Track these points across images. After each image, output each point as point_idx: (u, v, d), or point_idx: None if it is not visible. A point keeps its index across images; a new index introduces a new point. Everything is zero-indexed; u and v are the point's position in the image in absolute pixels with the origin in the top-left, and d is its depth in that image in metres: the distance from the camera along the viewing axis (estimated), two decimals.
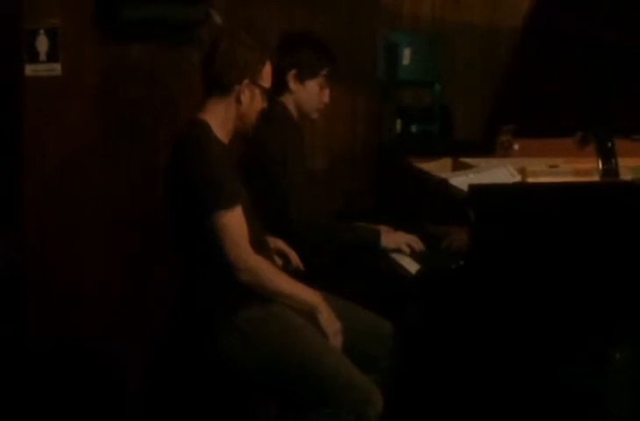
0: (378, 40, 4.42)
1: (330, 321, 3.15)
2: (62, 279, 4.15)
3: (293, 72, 3.61)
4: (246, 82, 3.19)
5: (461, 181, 3.42)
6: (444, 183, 3.51)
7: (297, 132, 3.66)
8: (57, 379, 4.17)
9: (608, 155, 3.39)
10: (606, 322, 3.25)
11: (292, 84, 3.62)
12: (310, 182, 3.66)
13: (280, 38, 3.75)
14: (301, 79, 3.63)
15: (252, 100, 3.22)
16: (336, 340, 3.16)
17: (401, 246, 3.52)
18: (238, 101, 3.20)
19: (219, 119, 3.21)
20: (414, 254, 3.48)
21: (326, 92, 3.67)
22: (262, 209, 3.37)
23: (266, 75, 3.26)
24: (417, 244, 3.53)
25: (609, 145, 3.39)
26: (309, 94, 3.64)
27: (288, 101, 3.65)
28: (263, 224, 3.30)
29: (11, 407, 4.04)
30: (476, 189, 3.19)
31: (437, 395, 3.50)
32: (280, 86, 3.61)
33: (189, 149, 3.16)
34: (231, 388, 3.27)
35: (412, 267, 3.37)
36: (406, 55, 4.36)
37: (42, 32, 4.05)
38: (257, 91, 3.23)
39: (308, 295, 3.17)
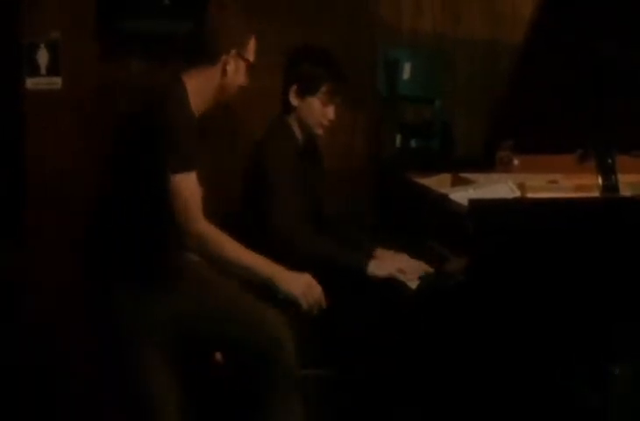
0: (378, 55, 4.43)
1: (292, 285, 3.10)
2: (62, 280, 4.16)
3: (294, 87, 3.59)
4: (234, 52, 3.20)
5: (461, 196, 3.42)
6: (443, 198, 3.50)
7: (296, 150, 3.63)
8: (57, 379, 4.19)
9: (608, 171, 3.37)
10: (606, 337, 3.23)
11: (293, 100, 3.60)
12: (310, 195, 3.65)
13: (287, 51, 3.73)
14: (302, 95, 3.59)
15: (235, 73, 3.22)
16: (308, 298, 3.12)
17: (394, 274, 3.43)
18: (224, 71, 3.20)
19: (198, 86, 3.17)
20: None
21: (330, 109, 3.62)
22: (255, 218, 3.45)
23: (251, 49, 3.27)
24: (413, 270, 3.44)
25: (609, 161, 3.38)
26: (311, 110, 3.60)
27: (292, 119, 3.63)
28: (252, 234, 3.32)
29: (11, 408, 4.05)
30: (476, 204, 3.19)
31: (438, 409, 3.49)
32: (284, 103, 3.62)
33: (159, 107, 3.08)
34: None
35: (412, 282, 3.37)
36: (406, 70, 4.36)
37: (43, 45, 4.06)
38: (242, 64, 3.23)
39: (261, 264, 3.10)
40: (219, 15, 3.22)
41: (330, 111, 3.61)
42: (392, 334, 3.46)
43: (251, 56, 3.26)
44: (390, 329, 3.48)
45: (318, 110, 3.59)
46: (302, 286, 3.11)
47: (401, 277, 3.41)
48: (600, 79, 3.49)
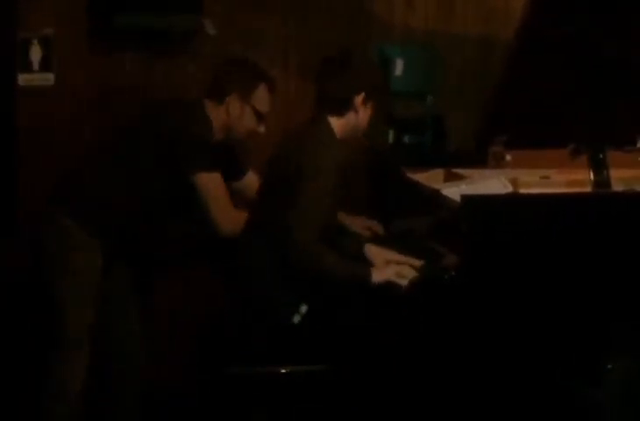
0: (371, 51, 4.43)
1: None
2: None
3: (362, 95, 3.48)
4: (234, 95, 3.56)
5: (454, 191, 3.42)
6: (436, 194, 3.51)
7: (342, 153, 3.51)
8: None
9: (599, 166, 3.38)
10: (601, 332, 3.24)
11: (360, 108, 3.49)
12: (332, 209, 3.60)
13: (340, 57, 3.58)
14: (366, 102, 3.50)
15: (240, 116, 3.57)
16: None
17: (393, 279, 3.38)
18: (227, 112, 3.57)
19: (211, 115, 3.58)
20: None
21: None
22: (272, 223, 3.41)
23: (262, 99, 3.59)
24: (408, 271, 3.40)
25: (601, 156, 3.39)
26: (368, 114, 3.54)
27: (340, 122, 3.49)
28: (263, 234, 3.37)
29: (13, 412, 4.05)
30: (468, 199, 3.19)
31: (434, 404, 3.49)
32: (341, 108, 3.50)
33: (185, 118, 3.52)
34: None
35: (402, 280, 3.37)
36: (398, 66, 4.37)
37: (35, 41, 4.05)
38: (248, 110, 3.57)
39: None
40: (228, 63, 3.68)
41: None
42: (386, 330, 3.46)
43: (258, 104, 3.58)
44: (384, 324, 3.48)
45: (371, 113, 3.56)
46: None
47: (400, 281, 3.39)
48: (593, 74, 3.50)
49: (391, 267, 3.43)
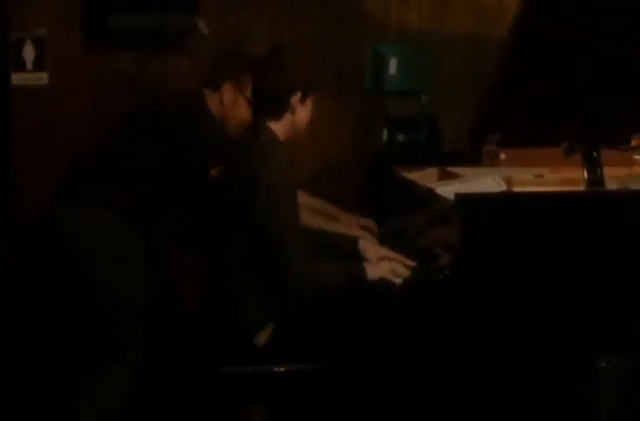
0: (365, 51, 4.43)
1: None
2: None
3: (298, 95, 3.38)
4: (227, 85, 3.60)
5: (448, 190, 3.42)
6: (430, 193, 3.51)
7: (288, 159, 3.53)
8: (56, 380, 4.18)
9: (593, 165, 3.38)
10: (596, 331, 3.24)
11: (297, 107, 3.39)
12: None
13: (272, 55, 3.46)
14: (303, 100, 3.40)
15: (233, 105, 3.63)
16: None
17: (387, 276, 3.37)
18: (221, 101, 3.62)
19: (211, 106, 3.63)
20: None
21: None
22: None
23: (247, 86, 3.57)
24: (402, 269, 3.39)
25: (595, 154, 3.39)
26: (308, 112, 3.44)
27: (279, 126, 3.40)
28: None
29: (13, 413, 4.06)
30: (462, 198, 3.19)
31: (431, 404, 3.49)
32: (278, 111, 3.40)
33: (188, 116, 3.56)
34: None
35: (396, 279, 3.37)
36: (393, 65, 4.37)
37: (28, 41, 4.06)
38: (241, 99, 3.61)
39: None
40: (224, 53, 3.75)
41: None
42: (381, 328, 3.46)
43: (248, 93, 3.55)
44: (379, 323, 3.48)
45: (310, 111, 3.52)
46: None
47: (393, 278, 3.39)
48: (587, 73, 3.50)
49: (385, 264, 3.43)
